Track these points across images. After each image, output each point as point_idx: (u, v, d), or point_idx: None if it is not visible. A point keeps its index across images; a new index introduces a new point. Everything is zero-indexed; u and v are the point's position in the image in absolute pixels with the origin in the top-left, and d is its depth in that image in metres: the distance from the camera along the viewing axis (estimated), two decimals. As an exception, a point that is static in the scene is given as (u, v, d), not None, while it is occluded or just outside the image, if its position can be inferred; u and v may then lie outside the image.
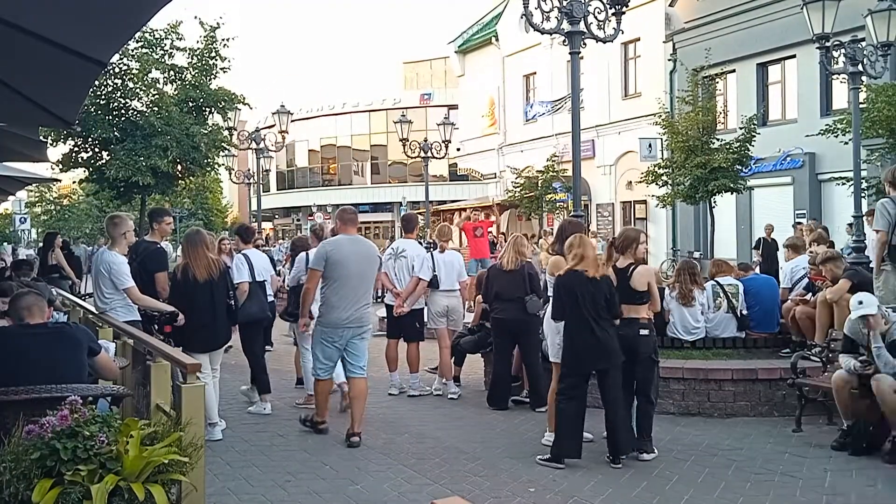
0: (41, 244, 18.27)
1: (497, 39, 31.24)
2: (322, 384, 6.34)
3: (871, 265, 7.58)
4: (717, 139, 16.78)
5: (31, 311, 4.02)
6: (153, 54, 17.86)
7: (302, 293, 6.50)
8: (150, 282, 6.42)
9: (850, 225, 13.70)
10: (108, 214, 6.74)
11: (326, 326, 6.16)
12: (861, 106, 12.16)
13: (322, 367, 6.25)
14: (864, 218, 10.48)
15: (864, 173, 12.74)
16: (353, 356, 6.22)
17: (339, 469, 5.47)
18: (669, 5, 23.17)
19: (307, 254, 7.58)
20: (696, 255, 19.28)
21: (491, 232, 23.19)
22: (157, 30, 17.92)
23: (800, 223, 16.15)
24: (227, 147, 20.09)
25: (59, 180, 27.33)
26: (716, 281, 7.78)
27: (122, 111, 17.76)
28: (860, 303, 5.68)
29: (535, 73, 29.45)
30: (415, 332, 8.05)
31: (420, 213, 23.67)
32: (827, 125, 15.31)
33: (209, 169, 20.74)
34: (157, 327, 5.99)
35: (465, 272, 8.53)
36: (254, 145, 20.11)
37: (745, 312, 7.62)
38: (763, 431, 6.31)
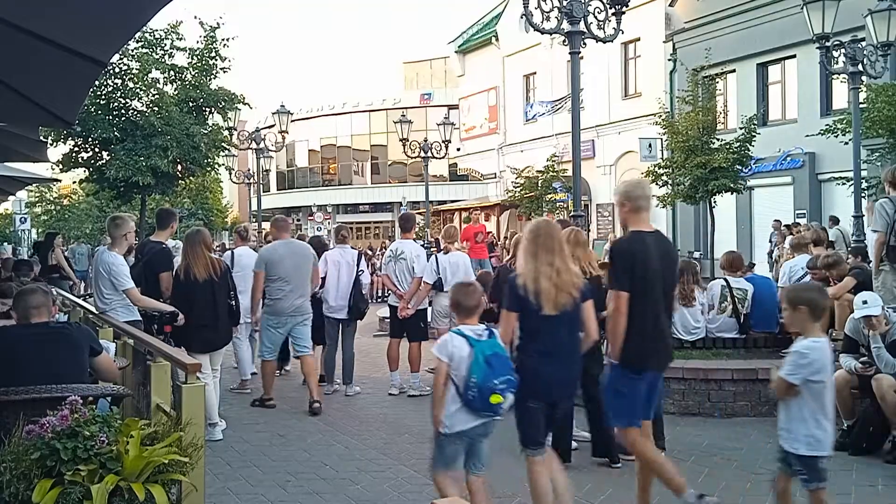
0: (38, 243, 18.25)
1: (497, 39, 31.25)
2: (267, 364, 7.47)
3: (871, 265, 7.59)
4: (717, 139, 16.79)
5: (40, 312, 4.02)
6: (153, 54, 17.86)
7: (251, 293, 7.47)
8: (154, 281, 6.44)
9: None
10: (111, 215, 6.78)
11: (272, 315, 7.35)
12: (861, 106, 12.17)
13: (267, 349, 7.43)
14: (865, 218, 10.49)
15: (864, 173, 12.75)
16: (299, 339, 7.45)
17: (339, 469, 5.48)
18: (669, 5, 23.17)
19: (232, 253, 8.50)
20: (696, 255, 19.30)
21: (491, 232, 23.19)
22: (157, 30, 17.93)
23: (798, 224, 16.20)
24: (227, 147, 20.10)
25: (59, 180, 27.31)
26: (726, 282, 7.70)
27: (122, 111, 17.78)
28: (864, 302, 5.67)
29: (535, 73, 29.46)
30: (419, 332, 8.07)
31: (420, 214, 23.67)
32: (827, 125, 15.32)
33: (209, 169, 20.77)
34: (157, 327, 5.99)
35: (472, 273, 8.53)
36: (254, 145, 20.12)
37: (747, 312, 7.60)
38: (763, 431, 6.30)
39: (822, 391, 3.63)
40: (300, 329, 7.43)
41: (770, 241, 18.06)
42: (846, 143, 13.50)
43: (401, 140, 19.31)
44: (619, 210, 4.46)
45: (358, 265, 8.05)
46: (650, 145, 21.50)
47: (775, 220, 18.03)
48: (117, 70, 17.27)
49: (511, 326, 3.98)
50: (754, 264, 15.76)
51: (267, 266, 7.32)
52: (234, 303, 6.58)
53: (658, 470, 4.23)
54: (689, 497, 4.12)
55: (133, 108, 17.89)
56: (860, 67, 10.66)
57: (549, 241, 4.04)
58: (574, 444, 5.68)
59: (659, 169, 18.09)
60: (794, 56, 19.56)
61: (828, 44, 10.59)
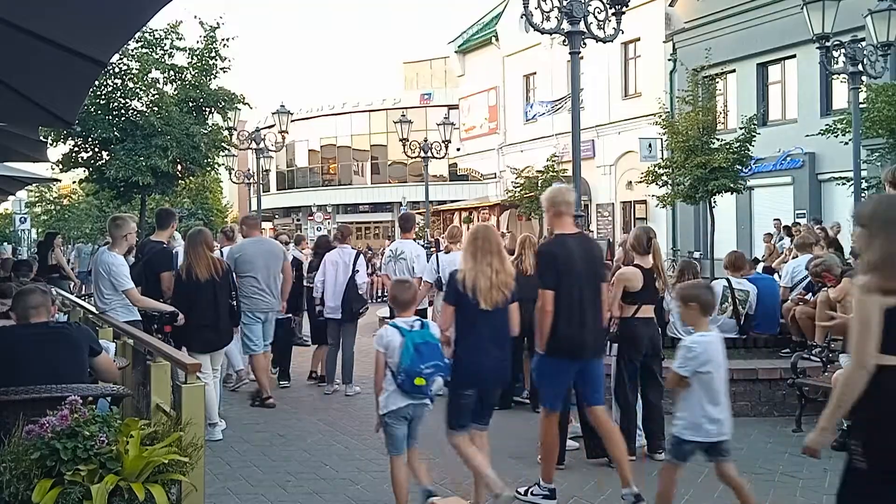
0: (38, 243, 18.26)
1: (497, 39, 31.24)
2: (258, 359, 7.57)
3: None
4: (717, 139, 16.77)
5: (39, 311, 4.01)
6: (153, 54, 17.82)
7: None
8: (155, 281, 6.44)
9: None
10: (111, 215, 6.79)
11: (249, 312, 7.38)
12: (861, 106, 12.17)
13: (255, 344, 7.51)
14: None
15: (864, 173, 12.74)
16: (265, 335, 7.67)
17: (339, 469, 5.48)
18: (669, 5, 23.17)
19: (221, 252, 8.48)
20: (696, 255, 19.29)
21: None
22: (157, 30, 17.89)
23: (798, 224, 16.22)
24: (227, 147, 20.07)
25: (59, 180, 27.26)
26: (728, 282, 7.69)
27: (122, 111, 17.74)
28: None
29: (535, 73, 29.45)
30: None
31: (420, 213, 23.68)
32: (827, 125, 15.31)
33: (209, 169, 20.73)
34: (156, 327, 5.99)
35: None
36: (254, 145, 20.10)
37: (750, 313, 7.59)
38: (763, 431, 6.31)
39: (711, 381, 3.96)
40: (265, 327, 7.64)
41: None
42: (846, 143, 13.49)
43: (401, 140, 19.32)
44: (546, 215, 4.97)
45: (354, 265, 8.05)
46: (650, 145, 21.49)
47: (775, 220, 18.13)
48: (117, 70, 17.24)
49: (449, 318, 4.43)
50: (759, 259, 15.86)
51: (237, 264, 7.41)
52: (235, 303, 6.57)
53: (548, 451, 4.80)
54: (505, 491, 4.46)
55: (133, 108, 17.85)
56: (860, 67, 10.66)
57: (488, 244, 4.45)
58: (575, 444, 5.68)
59: (659, 169, 18.06)
60: (794, 56, 19.55)
61: (828, 44, 10.58)
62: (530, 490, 4.84)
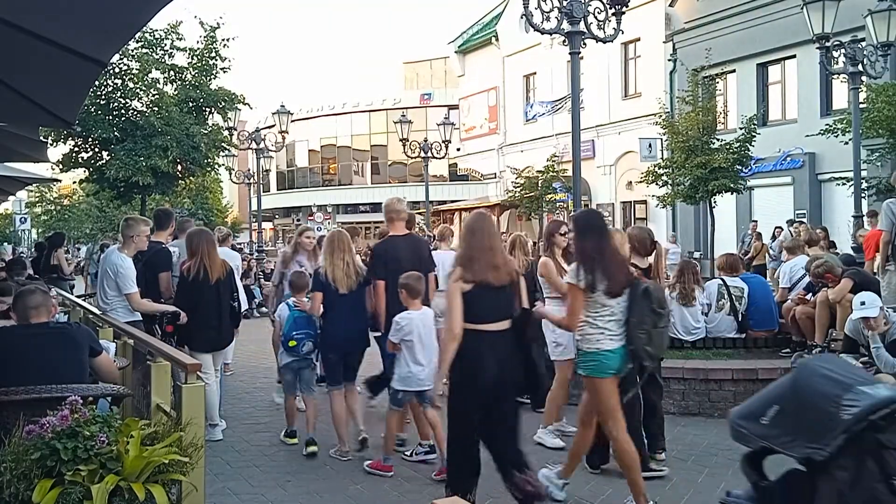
0: (36, 244, 18.22)
1: (497, 39, 31.25)
2: None
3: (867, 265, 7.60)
4: (717, 139, 16.77)
5: (39, 312, 4.01)
6: (153, 54, 17.85)
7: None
8: (154, 282, 6.43)
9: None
10: (125, 216, 6.76)
11: None
12: (861, 106, 12.16)
13: None
14: (865, 218, 10.49)
15: (864, 173, 12.74)
16: None
17: (338, 469, 5.48)
18: (669, 5, 23.17)
19: None
20: (697, 255, 19.30)
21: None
22: (157, 30, 17.92)
23: (795, 222, 16.29)
24: (227, 147, 20.08)
25: (59, 180, 27.32)
26: (723, 280, 7.74)
27: (122, 111, 17.76)
28: (862, 303, 5.67)
29: (535, 73, 29.46)
30: None
31: (420, 214, 23.67)
32: (827, 125, 15.30)
33: (209, 169, 20.75)
34: (158, 327, 5.98)
35: None
36: (254, 145, 20.10)
37: (744, 313, 7.63)
38: (763, 431, 6.30)
39: (413, 347, 5.23)
40: None
41: (743, 241, 18.41)
42: (846, 143, 13.48)
43: (401, 140, 19.32)
44: (385, 220, 6.42)
45: None
46: (650, 145, 21.49)
47: (752, 222, 18.49)
48: (117, 70, 17.26)
49: (319, 301, 5.72)
50: (748, 252, 16.08)
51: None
52: (236, 304, 6.55)
53: (397, 423, 5.73)
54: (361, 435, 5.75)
55: (133, 108, 17.87)
56: (860, 67, 10.65)
57: (341, 244, 5.77)
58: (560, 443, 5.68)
59: (659, 169, 18.05)
60: (794, 56, 19.55)
61: (828, 44, 10.58)
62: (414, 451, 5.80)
